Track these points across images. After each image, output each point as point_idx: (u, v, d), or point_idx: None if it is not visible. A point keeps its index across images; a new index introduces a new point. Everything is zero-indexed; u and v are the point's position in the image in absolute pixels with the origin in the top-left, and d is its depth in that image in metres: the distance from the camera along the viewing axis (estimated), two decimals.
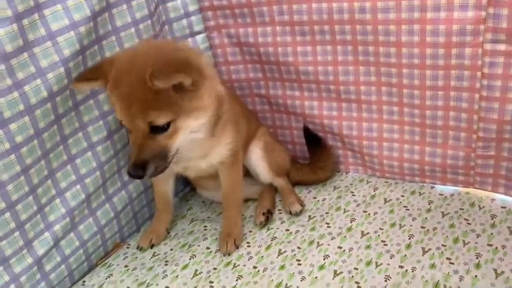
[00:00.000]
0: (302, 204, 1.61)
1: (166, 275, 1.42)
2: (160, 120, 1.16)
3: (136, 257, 1.53)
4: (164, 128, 1.18)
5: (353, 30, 1.48)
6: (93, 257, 1.51)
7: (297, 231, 1.52)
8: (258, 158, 1.64)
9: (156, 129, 1.17)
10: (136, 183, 1.60)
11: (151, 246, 1.56)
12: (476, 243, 1.35)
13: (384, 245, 1.40)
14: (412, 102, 1.52)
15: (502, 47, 1.29)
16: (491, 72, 1.33)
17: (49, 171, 1.31)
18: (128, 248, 1.59)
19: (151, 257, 1.52)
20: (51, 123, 1.26)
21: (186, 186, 1.88)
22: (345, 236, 1.46)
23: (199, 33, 1.71)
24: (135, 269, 1.47)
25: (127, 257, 1.54)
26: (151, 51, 1.20)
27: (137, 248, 1.56)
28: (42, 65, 1.19)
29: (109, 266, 1.50)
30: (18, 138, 1.18)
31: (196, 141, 1.28)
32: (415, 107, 1.52)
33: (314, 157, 1.76)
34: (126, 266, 1.49)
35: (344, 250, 1.41)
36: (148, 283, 1.40)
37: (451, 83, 1.41)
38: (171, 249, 1.55)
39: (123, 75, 1.15)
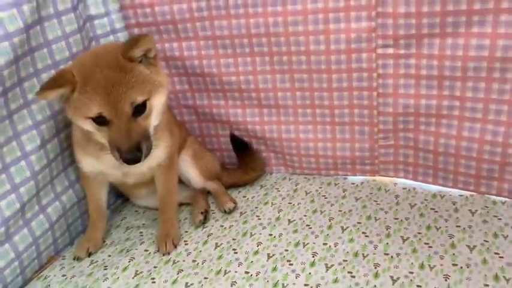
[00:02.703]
0: (235, 202, 1.74)
1: (107, 278, 1.45)
2: (140, 98, 1.27)
3: (74, 266, 1.54)
4: (142, 109, 1.29)
5: (269, 42, 1.68)
6: (28, 270, 1.48)
7: (231, 226, 1.64)
8: (188, 166, 1.76)
9: (137, 111, 1.27)
10: (69, 193, 1.62)
11: (89, 255, 1.58)
12: (385, 218, 1.57)
13: (309, 228, 1.57)
14: (323, 103, 1.74)
15: (390, 50, 1.55)
16: (384, 72, 1.60)
17: None
18: (63, 259, 1.59)
19: (90, 265, 1.54)
20: None
21: (118, 198, 1.92)
22: (274, 225, 1.61)
23: None
24: (73, 276, 1.48)
25: (64, 267, 1.54)
26: (111, 45, 1.36)
27: (74, 259, 1.57)
28: None
29: (45, 278, 1.49)
30: None
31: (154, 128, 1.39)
32: (325, 108, 1.75)
33: (243, 160, 1.90)
34: (63, 276, 1.49)
35: (274, 236, 1.55)
36: (90, 287, 1.42)
37: (353, 84, 1.66)
38: (109, 256, 1.57)
39: (92, 70, 1.24)
